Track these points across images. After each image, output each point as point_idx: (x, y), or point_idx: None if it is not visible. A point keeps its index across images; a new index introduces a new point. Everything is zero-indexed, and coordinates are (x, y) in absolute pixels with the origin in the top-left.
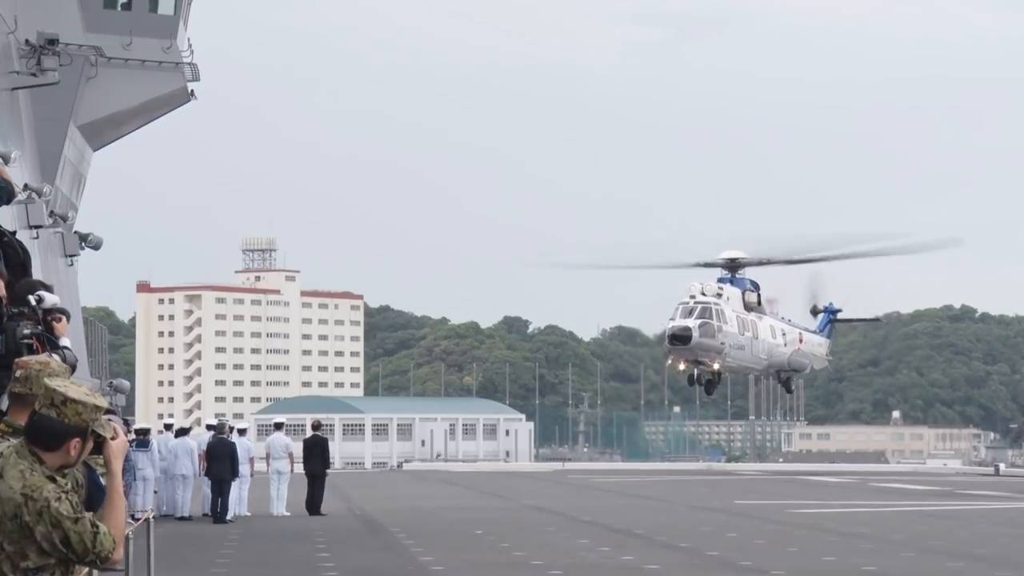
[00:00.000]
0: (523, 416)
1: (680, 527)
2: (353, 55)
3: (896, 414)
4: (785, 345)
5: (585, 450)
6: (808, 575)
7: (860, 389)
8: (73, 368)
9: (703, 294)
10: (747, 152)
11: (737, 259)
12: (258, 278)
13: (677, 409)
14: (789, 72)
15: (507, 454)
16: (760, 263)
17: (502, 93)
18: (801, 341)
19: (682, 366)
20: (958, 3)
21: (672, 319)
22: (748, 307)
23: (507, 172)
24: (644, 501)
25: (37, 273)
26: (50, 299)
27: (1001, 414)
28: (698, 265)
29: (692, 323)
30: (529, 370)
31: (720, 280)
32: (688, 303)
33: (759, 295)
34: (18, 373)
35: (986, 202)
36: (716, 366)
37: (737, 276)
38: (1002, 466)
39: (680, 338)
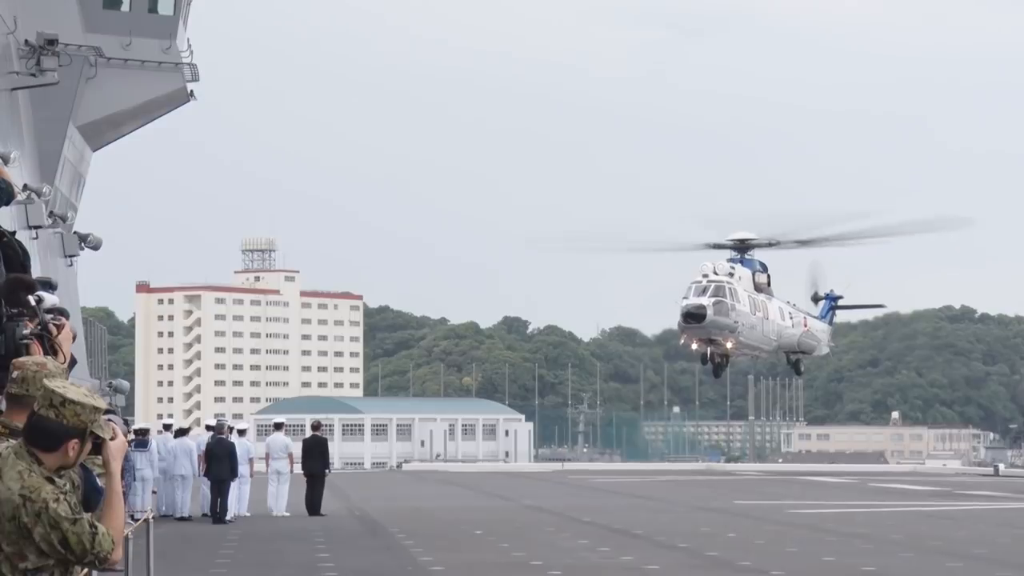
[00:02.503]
0: (523, 416)
1: (680, 527)
2: (353, 59)
3: (895, 414)
4: (793, 327)
5: (585, 450)
6: (808, 575)
7: (859, 389)
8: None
9: (715, 273)
10: (748, 155)
11: (747, 240)
12: (258, 278)
13: (677, 409)
14: (791, 75)
15: (506, 454)
16: (769, 244)
17: (502, 96)
18: (806, 325)
19: (695, 345)
20: (961, 7)
21: (685, 298)
22: (758, 288)
23: (507, 173)
24: (644, 501)
25: (36, 274)
26: (50, 299)
27: (1001, 414)
28: (707, 246)
29: (706, 301)
30: (529, 370)
31: (730, 261)
32: (701, 282)
33: (768, 276)
34: (15, 374)
35: (986, 203)
36: (730, 344)
37: (746, 257)
38: (1001, 466)
39: (694, 316)
